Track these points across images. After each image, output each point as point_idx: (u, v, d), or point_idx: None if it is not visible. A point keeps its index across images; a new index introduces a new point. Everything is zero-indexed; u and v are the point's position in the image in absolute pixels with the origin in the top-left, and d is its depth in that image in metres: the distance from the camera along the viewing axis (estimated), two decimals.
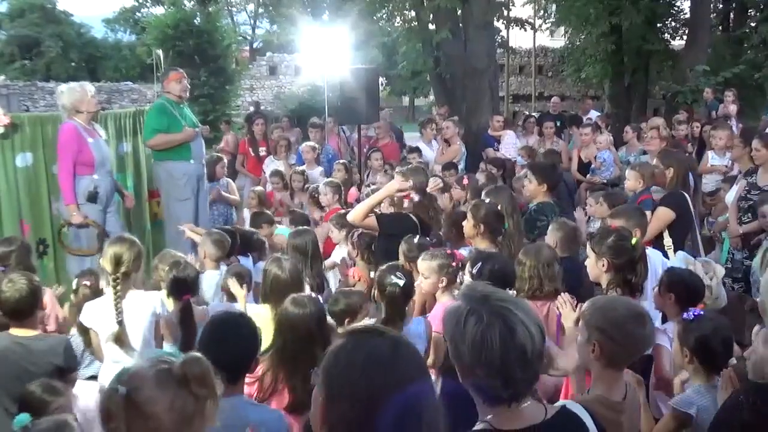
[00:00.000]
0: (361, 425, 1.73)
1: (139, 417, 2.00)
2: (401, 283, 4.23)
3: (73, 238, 6.83)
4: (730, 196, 7.03)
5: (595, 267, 4.18)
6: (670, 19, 21.79)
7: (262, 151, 11.35)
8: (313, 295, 4.11)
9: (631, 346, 2.93)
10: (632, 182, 6.74)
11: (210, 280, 5.43)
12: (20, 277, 3.99)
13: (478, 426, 2.09)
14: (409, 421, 1.74)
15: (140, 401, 1.99)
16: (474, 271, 4.17)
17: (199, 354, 2.16)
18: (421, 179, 5.85)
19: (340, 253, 6.20)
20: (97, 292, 4.69)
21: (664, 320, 4.36)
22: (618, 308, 2.99)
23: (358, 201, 8.51)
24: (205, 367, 2.12)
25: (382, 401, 1.72)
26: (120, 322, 4.16)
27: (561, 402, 2.28)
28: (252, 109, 19.81)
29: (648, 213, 5.86)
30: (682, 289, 4.18)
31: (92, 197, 6.79)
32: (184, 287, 4.57)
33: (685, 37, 19.69)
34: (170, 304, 4.53)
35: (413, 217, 5.75)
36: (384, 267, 4.43)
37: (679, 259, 5.09)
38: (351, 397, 1.75)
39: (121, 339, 4.16)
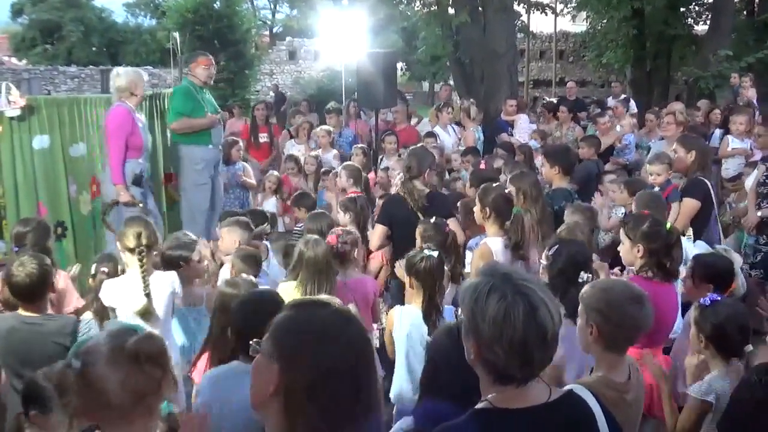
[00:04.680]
0: (316, 392, 1.75)
1: (90, 392, 2.04)
2: (435, 254, 4.19)
3: (116, 220, 6.90)
4: (750, 181, 6.94)
5: (630, 253, 4.17)
6: (693, 4, 21.47)
7: (263, 137, 11.10)
8: (247, 276, 4.13)
9: (628, 327, 2.92)
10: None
11: None
12: (30, 260, 4.00)
13: (479, 405, 2.07)
14: (359, 386, 1.81)
15: (93, 378, 2.04)
16: (550, 253, 4.11)
17: (155, 332, 2.22)
18: (406, 162, 5.91)
19: None
20: (113, 278, 4.68)
21: None
22: (615, 289, 2.99)
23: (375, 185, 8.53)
24: (159, 346, 2.15)
25: (337, 369, 1.77)
26: (147, 295, 4.23)
27: (569, 386, 2.25)
28: (271, 93, 19.74)
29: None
30: (713, 274, 4.17)
31: (138, 180, 6.96)
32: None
33: (708, 22, 19.39)
34: None
35: (403, 195, 5.84)
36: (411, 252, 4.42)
37: (698, 249, 5.05)
38: (310, 366, 1.77)
39: (149, 312, 4.21)
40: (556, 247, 4.09)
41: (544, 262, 4.14)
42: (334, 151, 10.10)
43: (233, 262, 5.07)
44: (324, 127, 10.60)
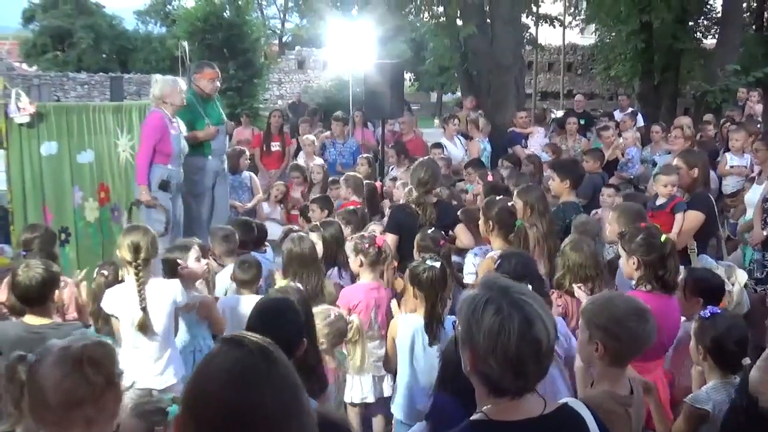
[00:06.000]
0: None
1: (32, 388, 2.09)
2: (438, 264, 4.22)
3: (144, 221, 6.94)
4: (750, 197, 6.91)
5: (627, 265, 4.19)
6: (701, 18, 21.51)
7: (275, 146, 11.22)
8: (294, 284, 4.13)
9: (634, 343, 2.91)
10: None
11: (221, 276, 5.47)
12: (37, 264, 4.01)
13: (474, 416, 2.08)
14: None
15: (36, 374, 2.09)
16: (495, 266, 4.19)
17: (108, 341, 2.22)
18: (419, 175, 5.87)
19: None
20: (112, 283, 4.65)
21: None
22: (618, 305, 2.97)
23: (383, 195, 8.54)
24: (106, 354, 2.14)
25: (249, 420, 1.64)
26: (143, 309, 4.19)
27: (563, 399, 2.25)
28: (280, 102, 19.75)
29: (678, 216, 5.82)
30: (702, 288, 4.18)
31: (164, 186, 7.08)
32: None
33: (716, 36, 19.41)
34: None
35: (415, 208, 5.85)
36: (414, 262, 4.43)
37: (702, 263, 5.05)
38: (214, 413, 1.64)
39: (144, 325, 4.20)
40: (498, 261, 4.17)
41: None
42: (320, 160, 10.24)
43: (234, 270, 5.10)
44: (309, 136, 10.80)
